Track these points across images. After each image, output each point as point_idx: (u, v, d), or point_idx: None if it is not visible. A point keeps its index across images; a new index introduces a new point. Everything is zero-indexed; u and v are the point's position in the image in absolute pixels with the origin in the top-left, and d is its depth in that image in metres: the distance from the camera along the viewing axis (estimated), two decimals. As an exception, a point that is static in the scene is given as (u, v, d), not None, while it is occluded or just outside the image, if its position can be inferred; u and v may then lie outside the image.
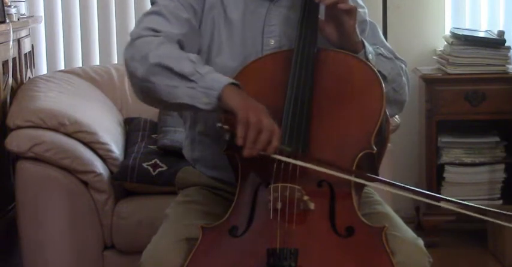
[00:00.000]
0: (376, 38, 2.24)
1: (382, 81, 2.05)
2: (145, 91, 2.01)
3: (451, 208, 1.96)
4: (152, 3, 2.16)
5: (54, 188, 2.99)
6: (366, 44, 2.10)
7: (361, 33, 2.13)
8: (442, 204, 1.99)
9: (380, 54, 2.15)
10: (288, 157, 1.90)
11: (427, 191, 3.76)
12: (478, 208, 1.95)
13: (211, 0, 2.16)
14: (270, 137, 1.86)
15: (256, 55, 2.12)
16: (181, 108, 2.01)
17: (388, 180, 1.94)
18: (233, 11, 2.16)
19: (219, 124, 1.89)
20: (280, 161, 1.90)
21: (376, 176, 1.97)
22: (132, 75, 2.02)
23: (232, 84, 1.94)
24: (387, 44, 2.26)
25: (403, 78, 2.19)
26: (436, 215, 3.94)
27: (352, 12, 2.03)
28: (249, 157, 1.86)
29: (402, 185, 1.91)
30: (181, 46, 2.08)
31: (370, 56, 2.09)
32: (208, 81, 1.93)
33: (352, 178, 1.92)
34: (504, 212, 1.98)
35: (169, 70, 1.96)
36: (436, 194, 2.10)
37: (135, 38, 2.05)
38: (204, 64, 2.00)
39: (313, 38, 2.06)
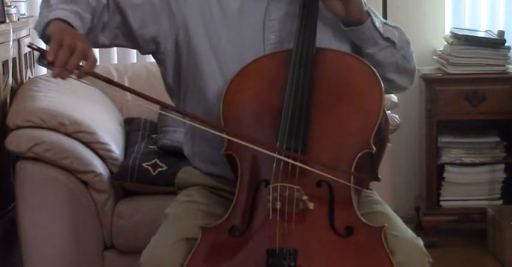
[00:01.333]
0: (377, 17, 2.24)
1: (394, 48, 2.11)
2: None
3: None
4: None
5: (54, 188, 2.99)
6: (372, 13, 2.10)
7: None
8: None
9: (385, 23, 2.17)
10: (288, 157, 1.90)
11: (426, 194, 3.77)
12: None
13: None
14: (81, 59, 1.86)
15: (257, 51, 2.13)
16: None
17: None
18: (230, 5, 2.16)
19: (29, 42, 1.94)
20: (279, 160, 1.90)
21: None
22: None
23: (66, 22, 1.98)
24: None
25: (411, 46, 2.20)
26: (436, 215, 3.95)
27: None
28: (57, 77, 1.86)
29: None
30: (123, 13, 2.12)
31: (377, 24, 2.11)
32: (52, 13, 2.00)
33: (350, 184, 1.92)
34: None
35: (47, 1, 2.07)
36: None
37: None
38: (73, 5, 2.03)
39: (312, 37, 2.06)
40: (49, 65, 1.85)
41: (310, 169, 1.89)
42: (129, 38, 2.19)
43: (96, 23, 2.12)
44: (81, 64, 1.86)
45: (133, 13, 2.14)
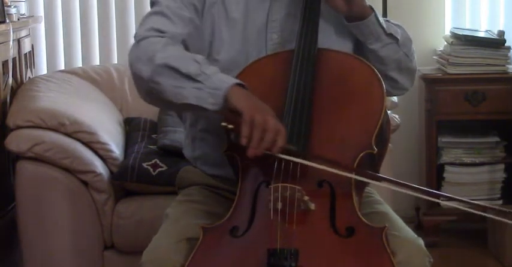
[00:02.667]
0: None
1: (396, 44, 2.11)
2: (151, 92, 2.01)
3: (451, 205, 1.95)
4: (153, 3, 2.15)
5: (54, 188, 2.99)
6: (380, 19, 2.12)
7: None
8: (443, 201, 1.98)
9: (387, 20, 2.17)
10: (296, 156, 1.90)
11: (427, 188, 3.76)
12: (477, 204, 1.94)
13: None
14: (275, 137, 1.86)
15: (259, 51, 2.13)
16: (187, 108, 2.01)
17: (390, 178, 1.93)
18: (234, 6, 2.16)
19: (224, 124, 1.89)
20: (280, 160, 1.90)
21: (378, 174, 1.97)
22: (137, 77, 2.02)
23: (238, 84, 1.94)
24: None
25: (412, 45, 2.21)
26: (436, 215, 3.95)
27: None
28: (253, 157, 1.86)
29: (404, 182, 1.91)
30: (186, 46, 2.08)
31: (380, 19, 2.11)
32: (215, 82, 1.93)
33: (355, 176, 1.92)
34: (503, 209, 1.97)
35: (176, 70, 1.96)
36: (436, 191, 2.10)
37: (140, 38, 2.05)
38: (210, 65, 1.99)
39: (314, 38, 2.06)
40: (244, 146, 1.85)
41: (312, 164, 1.88)
42: None
43: None
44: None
45: (190, 42, 2.11)
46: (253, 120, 1.85)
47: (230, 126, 1.89)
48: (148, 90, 2.01)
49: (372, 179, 1.96)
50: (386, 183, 1.95)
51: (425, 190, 1.97)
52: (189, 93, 1.95)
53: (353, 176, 1.91)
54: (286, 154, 1.88)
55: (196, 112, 2.05)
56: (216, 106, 1.92)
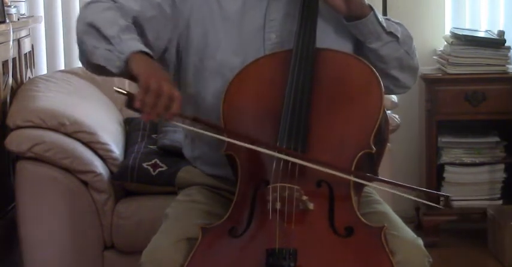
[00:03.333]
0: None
1: (397, 42, 2.11)
2: (80, 50, 2.08)
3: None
4: None
5: (54, 188, 2.99)
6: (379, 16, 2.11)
7: None
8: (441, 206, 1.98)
9: (388, 19, 2.17)
10: (288, 155, 1.90)
11: (426, 194, 3.78)
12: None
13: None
14: (169, 102, 1.86)
15: (257, 51, 2.13)
16: (99, 69, 2.04)
17: (387, 179, 1.94)
18: (230, 6, 2.16)
19: (116, 88, 1.91)
20: (279, 160, 1.90)
21: (374, 176, 1.97)
22: (76, 35, 2.09)
23: (144, 52, 1.96)
24: None
25: (414, 43, 2.20)
26: (436, 215, 3.94)
27: None
28: (146, 120, 1.88)
29: (402, 184, 1.92)
30: (140, 27, 2.10)
31: (380, 18, 2.11)
32: (123, 46, 1.97)
33: (352, 178, 1.92)
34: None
35: (97, 31, 2.01)
36: (435, 192, 2.10)
37: (91, 1, 2.11)
38: (133, 33, 2.02)
39: (312, 37, 2.06)
40: (138, 110, 1.86)
41: (310, 165, 1.88)
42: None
43: None
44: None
45: (150, 26, 2.12)
46: (148, 84, 1.86)
47: (122, 91, 1.89)
48: (79, 48, 2.08)
49: (369, 180, 1.96)
50: (384, 185, 1.95)
51: (426, 190, 1.98)
52: (100, 54, 2.00)
53: (351, 178, 1.92)
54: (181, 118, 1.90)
55: (107, 75, 2.07)
56: (119, 69, 1.97)
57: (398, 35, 2.14)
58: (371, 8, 2.11)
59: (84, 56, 2.07)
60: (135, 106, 1.85)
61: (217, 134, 1.96)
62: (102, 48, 1.99)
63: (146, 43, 2.12)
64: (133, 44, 1.98)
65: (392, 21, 2.18)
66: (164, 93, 1.85)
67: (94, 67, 2.06)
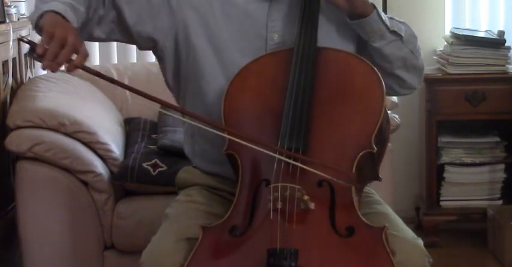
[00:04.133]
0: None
1: (401, 41, 2.11)
2: None
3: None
4: None
5: (54, 188, 2.99)
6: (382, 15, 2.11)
7: None
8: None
9: (391, 17, 2.17)
10: (288, 157, 1.90)
11: (426, 194, 3.77)
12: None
13: None
14: (71, 52, 1.85)
15: (259, 51, 2.13)
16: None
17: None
18: (233, 5, 2.16)
19: (19, 37, 1.93)
20: (280, 160, 1.90)
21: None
22: None
23: (59, 14, 1.97)
24: None
25: (417, 42, 2.20)
26: (436, 215, 3.95)
27: None
28: (47, 69, 1.87)
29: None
30: (117, 9, 2.13)
31: (383, 16, 2.10)
32: (46, 5, 2.00)
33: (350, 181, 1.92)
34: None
35: None
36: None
37: None
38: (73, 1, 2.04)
39: (313, 36, 2.06)
40: (40, 58, 1.85)
41: (310, 169, 1.88)
42: (125, 34, 2.19)
43: (92, 16, 2.12)
44: (72, 58, 1.86)
45: (129, 8, 2.14)
46: (53, 32, 1.86)
47: (25, 40, 1.90)
48: None
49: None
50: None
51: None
52: (34, 10, 2.06)
53: (345, 182, 1.91)
54: (83, 70, 1.88)
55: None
56: (33, 24, 2.03)
57: (402, 34, 2.14)
58: (374, 7, 2.11)
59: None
60: (37, 53, 1.84)
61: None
62: (36, 7, 2.06)
63: (125, 26, 2.16)
64: (54, 5, 2.00)
65: (396, 20, 2.17)
66: (68, 43, 1.85)
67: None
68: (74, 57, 1.86)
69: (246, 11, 2.16)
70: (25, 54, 3.60)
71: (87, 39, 2.19)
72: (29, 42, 1.88)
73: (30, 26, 3.66)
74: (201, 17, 2.16)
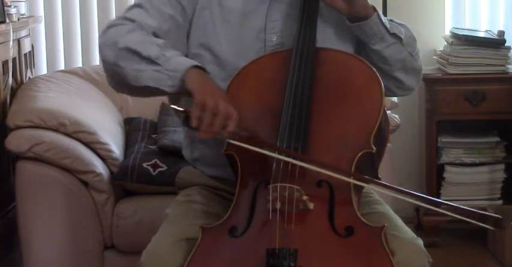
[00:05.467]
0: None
1: (400, 44, 2.11)
2: (115, 76, 2.06)
3: (450, 214, 1.95)
4: None
5: (54, 188, 2.99)
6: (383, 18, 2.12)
7: None
8: (442, 210, 1.98)
9: (391, 20, 2.17)
10: (288, 156, 1.90)
11: (426, 194, 3.77)
12: (476, 212, 1.94)
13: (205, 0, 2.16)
14: (225, 121, 1.87)
15: (258, 52, 2.13)
16: (147, 91, 2.03)
17: (387, 184, 1.94)
18: (232, 8, 2.16)
19: (173, 106, 1.92)
20: (279, 160, 1.90)
21: (374, 179, 1.97)
22: (103, 61, 2.08)
23: (197, 67, 1.96)
24: None
25: (417, 45, 2.20)
26: (436, 215, 3.93)
27: None
28: (203, 139, 1.88)
29: (401, 188, 1.91)
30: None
31: (383, 19, 2.10)
32: (173, 64, 1.97)
33: (350, 180, 1.92)
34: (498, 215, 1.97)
35: (137, 54, 2.00)
36: (435, 199, 2.11)
37: (109, 26, 2.10)
38: (171, 49, 2.02)
39: (312, 37, 2.06)
40: (194, 128, 1.87)
41: (310, 166, 1.88)
42: None
43: None
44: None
45: (167, 39, 2.11)
46: (205, 102, 1.86)
47: (179, 108, 1.90)
48: (113, 73, 2.06)
49: (371, 183, 1.96)
50: (385, 189, 1.95)
51: (426, 197, 1.98)
52: (149, 76, 1.99)
53: (350, 180, 1.92)
54: (247, 143, 1.89)
55: (157, 95, 2.06)
56: (174, 88, 1.97)
57: (402, 37, 2.14)
58: (374, 9, 2.11)
59: (122, 81, 2.04)
60: (192, 125, 1.86)
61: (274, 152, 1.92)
62: (149, 70, 1.98)
63: None
64: (182, 60, 1.98)
65: (396, 23, 2.18)
66: (221, 111, 1.86)
67: (139, 90, 2.04)
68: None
69: (244, 14, 2.16)
70: (25, 54, 3.60)
71: None
72: (184, 112, 1.88)
73: (31, 26, 3.68)
74: (202, 21, 2.16)
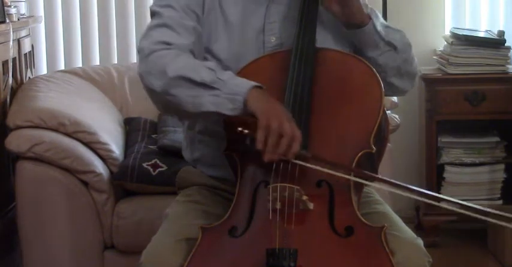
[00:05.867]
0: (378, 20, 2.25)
1: (395, 52, 2.11)
2: (167, 105, 2.02)
3: (451, 209, 1.95)
4: (153, 14, 2.13)
5: (54, 188, 2.99)
6: (374, 16, 2.11)
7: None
8: (443, 204, 1.98)
9: (387, 26, 2.17)
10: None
11: (427, 190, 3.76)
12: (478, 209, 1.94)
13: (210, 2, 2.16)
14: (291, 142, 1.86)
15: (256, 53, 2.13)
16: (206, 115, 2.00)
17: (389, 179, 1.93)
18: (231, 10, 2.16)
19: (240, 129, 1.89)
20: (279, 161, 1.90)
21: (377, 176, 1.97)
22: (150, 91, 2.02)
23: (257, 87, 1.94)
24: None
25: (412, 51, 2.21)
26: (436, 215, 3.94)
27: None
28: (269, 162, 1.87)
29: (403, 184, 1.91)
30: (193, 55, 2.08)
31: (378, 27, 2.11)
32: (232, 87, 1.94)
33: (353, 179, 1.92)
34: (505, 213, 1.97)
35: (190, 81, 1.96)
36: (436, 194, 2.10)
37: (147, 53, 2.04)
38: (223, 70, 2.00)
39: (312, 37, 2.06)
40: (260, 151, 1.86)
41: (310, 165, 1.88)
42: None
43: None
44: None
45: (196, 50, 2.12)
46: (269, 124, 1.86)
47: (246, 131, 1.89)
48: (165, 102, 2.02)
49: (372, 180, 1.96)
50: (385, 185, 1.95)
51: (427, 192, 1.98)
52: (207, 101, 1.95)
53: (352, 178, 1.92)
54: (298, 159, 1.88)
55: (215, 118, 2.04)
56: (236, 111, 1.93)
57: (397, 44, 2.14)
58: (370, 17, 2.11)
59: (178, 109, 2.00)
60: (258, 148, 1.86)
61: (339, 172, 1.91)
62: (207, 95, 1.95)
63: None
64: (239, 81, 1.95)
65: (392, 29, 2.18)
66: (286, 133, 1.86)
67: (197, 115, 2.03)
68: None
69: (243, 15, 2.16)
70: (25, 54, 3.60)
71: None
72: (248, 134, 1.88)
73: (31, 26, 3.68)
74: (207, 26, 2.16)
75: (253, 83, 1.94)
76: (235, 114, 1.94)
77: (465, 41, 3.88)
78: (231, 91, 1.93)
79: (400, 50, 2.15)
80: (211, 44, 2.15)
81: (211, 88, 1.95)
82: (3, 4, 3.30)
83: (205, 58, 2.14)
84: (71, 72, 3.65)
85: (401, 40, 2.18)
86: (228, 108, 1.94)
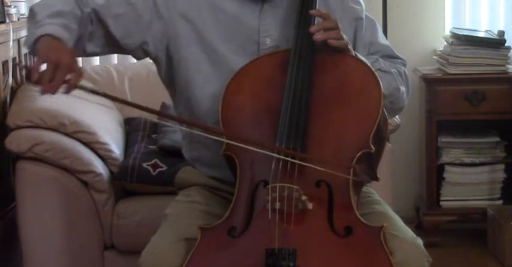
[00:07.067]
0: (374, 35, 2.24)
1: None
2: None
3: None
4: None
5: (54, 188, 2.99)
6: (362, 58, 2.09)
7: (356, 31, 2.17)
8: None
9: (379, 69, 2.15)
10: (286, 155, 1.90)
11: (426, 194, 3.77)
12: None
13: (198, 1, 2.15)
14: (66, 73, 1.85)
15: (252, 55, 2.12)
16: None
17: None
18: (225, 10, 2.16)
19: (16, 63, 1.93)
20: (278, 160, 1.90)
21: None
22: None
23: (55, 38, 1.97)
24: (385, 42, 2.27)
25: (402, 88, 2.18)
26: (436, 215, 3.95)
27: (342, 48, 2.03)
28: (44, 94, 1.86)
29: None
30: (102, 22, 2.12)
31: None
32: (39, 29, 2.00)
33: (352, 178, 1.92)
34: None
35: (33, 15, 2.07)
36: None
37: None
38: (61, 19, 2.04)
39: (310, 38, 2.06)
40: (37, 83, 1.84)
41: (309, 165, 1.88)
42: (116, 47, 2.20)
43: (83, 32, 2.12)
44: (68, 78, 1.85)
45: (115, 23, 2.14)
46: (46, 56, 1.87)
47: (21, 65, 1.92)
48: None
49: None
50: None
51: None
52: (28, 34, 2.07)
53: (351, 177, 1.92)
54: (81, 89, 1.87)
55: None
56: (30, 48, 2.02)
57: (384, 91, 2.04)
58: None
59: None
60: (33, 79, 1.83)
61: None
62: (32, 28, 2.05)
63: (114, 39, 2.15)
64: (48, 28, 2.00)
65: (383, 70, 2.15)
66: (62, 64, 1.84)
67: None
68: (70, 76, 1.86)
69: (236, 16, 2.16)
70: (25, 54, 3.60)
71: (82, 55, 2.20)
72: (25, 67, 1.88)
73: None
74: (192, 25, 2.16)
75: (52, 32, 1.98)
76: (30, 52, 2.04)
77: (465, 41, 3.88)
78: (36, 32, 2.01)
79: (387, 95, 2.10)
80: (203, 42, 2.15)
81: (35, 26, 2.03)
82: (3, 4, 3.30)
83: (197, 54, 2.14)
84: (71, 72, 3.64)
85: (390, 85, 2.14)
86: (29, 46, 2.03)
